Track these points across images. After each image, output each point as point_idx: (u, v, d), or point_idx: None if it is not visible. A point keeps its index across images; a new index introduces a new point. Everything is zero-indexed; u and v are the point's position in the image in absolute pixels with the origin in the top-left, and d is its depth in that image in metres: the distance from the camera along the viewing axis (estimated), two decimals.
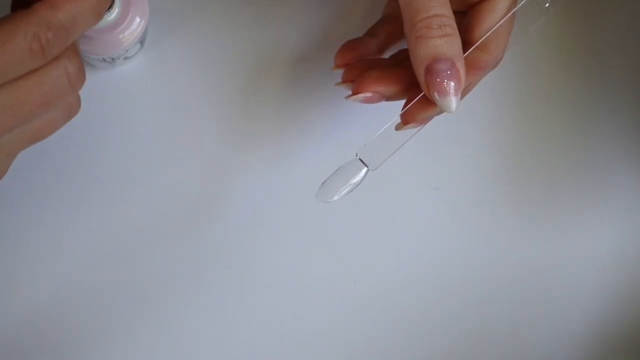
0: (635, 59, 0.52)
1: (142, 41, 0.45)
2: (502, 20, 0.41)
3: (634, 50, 0.52)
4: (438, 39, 0.38)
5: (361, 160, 0.40)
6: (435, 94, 0.38)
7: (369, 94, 0.42)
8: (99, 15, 0.34)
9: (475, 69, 0.41)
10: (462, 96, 0.42)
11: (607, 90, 0.52)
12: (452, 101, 0.39)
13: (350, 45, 0.45)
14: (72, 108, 0.36)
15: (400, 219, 0.50)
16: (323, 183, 0.40)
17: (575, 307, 0.52)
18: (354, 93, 0.42)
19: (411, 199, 0.50)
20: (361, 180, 0.40)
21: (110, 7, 0.40)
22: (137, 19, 0.42)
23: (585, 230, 0.52)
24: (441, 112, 0.40)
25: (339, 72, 0.45)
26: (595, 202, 0.52)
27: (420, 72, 0.39)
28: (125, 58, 0.45)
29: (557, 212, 0.52)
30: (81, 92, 0.48)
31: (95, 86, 0.47)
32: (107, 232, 0.47)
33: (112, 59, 0.44)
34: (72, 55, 0.34)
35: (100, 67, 0.47)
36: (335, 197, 0.40)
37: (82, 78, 0.35)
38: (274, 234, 0.49)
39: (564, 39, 0.52)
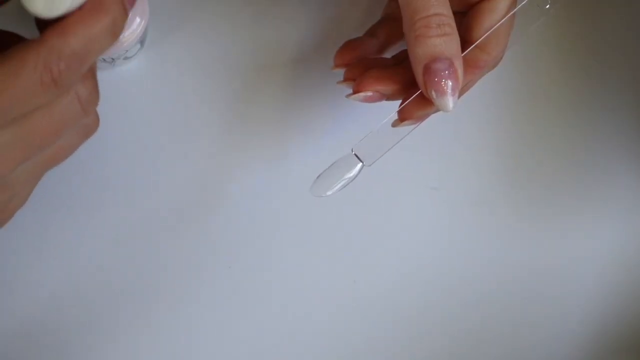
0: (635, 59, 0.52)
1: (142, 41, 0.45)
2: (502, 20, 0.41)
3: (634, 50, 0.52)
4: (437, 38, 0.38)
5: (356, 156, 0.40)
6: (433, 93, 0.39)
7: (369, 93, 0.42)
8: (116, 36, 0.31)
9: (473, 68, 0.41)
10: (460, 95, 0.42)
11: (607, 90, 0.52)
12: (449, 101, 0.39)
13: (350, 45, 0.45)
14: (89, 129, 0.35)
15: (399, 218, 0.50)
16: (317, 177, 0.40)
17: (575, 307, 0.52)
18: (355, 92, 0.42)
19: (410, 198, 0.50)
20: (355, 176, 0.40)
21: None
22: (137, 19, 0.42)
23: (585, 230, 0.52)
24: (438, 110, 0.40)
25: (339, 72, 0.45)
26: (595, 202, 0.52)
27: (418, 71, 0.39)
28: (125, 58, 0.45)
29: (557, 212, 0.52)
30: None
31: None
32: (106, 231, 0.47)
33: (112, 59, 0.44)
34: (85, 78, 0.32)
35: (100, 67, 0.47)
36: (329, 192, 0.40)
37: (95, 101, 0.33)
38: (274, 234, 0.49)
39: (564, 39, 0.52)
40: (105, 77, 0.47)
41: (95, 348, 0.47)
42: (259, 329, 0.49)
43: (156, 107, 0.48)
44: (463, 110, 0.50)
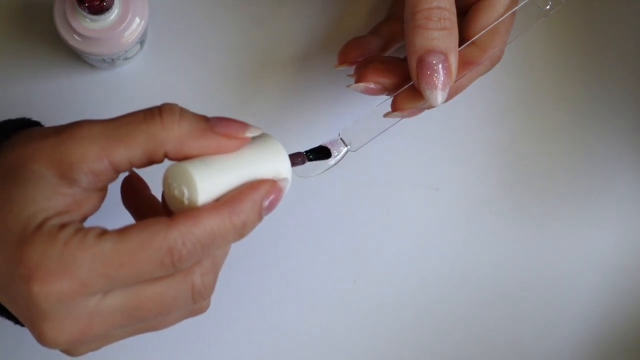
0: (635, 60, 0.52)
1: (142, 41, 0.45)
2: (502, 19, 0.41)
3: (634, 51, 0.52)
4: (435, 31, 0.38)
5: (342, 140, 0.40)
6: (424, 85, 0.39)
7: (370, 84, 0.42)
8: (242, 237, 0.33)
9: (468, 64, 0.41)
10: (455, 94, 0.42)
11: (607, 90, 0.52)
12: (439, 95, 0.39)
13: (354, 43, 0.45)
14: (196, 312, 0.36)
15: (400, 219, 0.50)
16: None
17: (576, 307, 0.52)
18: (356, 82, 0.42)
19: (411, 199, 0.50)
20: (339, 160, 0.40)
21: (110, 7, 0.40)
22: (137, 19, 0.42)
23: (585, 230, 0.52)
24: (428, 104, 0.40)
25: (342, 71, 0.45)
26: (596, 202, 0.52)
27: (412, 62, 0.39)
28: (125, 58, 0.45)
29: (557, 212, 0.52)
30: (81, 93, 0.48)
31: (96, 86, 0.47)
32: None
33: (112, 59, 0.44)
34: (206, 272, 0.33)
35: (101, 67, 0.47)
36: (312, 174, 0.40)
37: (207, 295, 0.34)
38: (274, 234, 0.49)
39: (564, 39, 0.52)
40: (105, 77, 0.47)
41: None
42: (259, 329, 0.49)
43: None
44: (463, 111, 0.50)
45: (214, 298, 0.48)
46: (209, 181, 0.32)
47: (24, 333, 0.33)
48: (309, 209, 0.49)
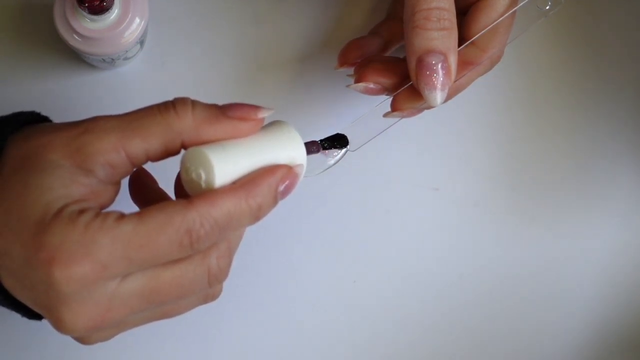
0: (635, 59, 0.52)
1: (142, 41, 0.45)
2: (501, 19, 0.41)
3: (634, 51, 0.52)
4: (434, 32, 0.38)
5: None
6: (423, 86, 0.39)
7: (370, 84, 0.42)
8: (258, 219, 0.33)
9: (468, 64, 0.41)
10: (454, 95, 0.42)
11: (607, 90, 0.52)
12: (438, 95, 0.39)
13: (354, 44, 0.45)
14: (210, 297, 0.36)
15: (400, 219, 0.50)
16: None
17: (575, 307, 0.52)
18: (356, 82, 0.42)
19: (411, 199, 0.50)
20: (339, 160, 0.40)
21: (110, 7, 0.40)
22: (137, 20, 0.42)
23: (585, 230, 0.52)
24: (427, 105, 0.40)
25: (342, 72, 0.45)
26: (596, 202, 0.52)
27: (411, 63, 0.39)
28: (125, 58, 0.45)
29: (557, 212, 0.52)
30: (81, 93, 0.48)
31: (96, 86, 0.47)
32: None
33: (112, 59, 0.44)
34: (222, 256, 0.34)
35: (101, 67, 0.47)
36: (312, 174, 0.40)
37: (222, 279, 0.35)
38: (274, 234, 0.49)
39: (564, 39, 0.52)
40: (105, 77, 0.47)
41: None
42: (258, 329, 0.49)
43: None
44: (464, 111, 0.50)
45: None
46: (225, 164, 0.32)
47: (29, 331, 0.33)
48: (309, 208, 0.49)
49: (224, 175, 0.32)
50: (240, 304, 0.48)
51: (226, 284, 0.48)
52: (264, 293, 0.49)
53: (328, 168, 0.39)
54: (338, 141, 0.39)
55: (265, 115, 0.34)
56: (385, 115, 0.41)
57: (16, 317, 0.36)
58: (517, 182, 0.51)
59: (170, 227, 0.31)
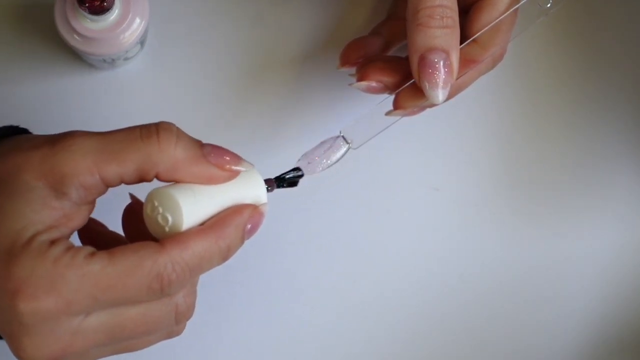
0: (635, 59, 0.52)
1: (142, 42, 0.45)
2: (503, 16, 0.41)
3: (634, 50, 0.52)
4: (437, 30, 0.38)
5: (344, 138, 0.40)
6: (425, 84, 0.39)
7: (372, 83, 0.42)
8: (226, 259, 0.33)
9: (470, 62, 0.41)
10: (456, 93, 0.42)
11: (607, 90, 0.52)
12: (440, 93, 0.39)
13: (355, 44, 0.45)
14: (173, 334, 0.36)
15: (400, 219, 0.50)
16: (303, 155, 0.39)
17: (575, 307, 0.52)
18: (358, 80, 0.42)
19: (411, 199, 0.50)
20: (341, 157, 0.40)
21: (111, 7, 0.40)
22: (137, 20, 0.42)
23: (585, 230, 0.52)
24: (429, 103, 0.40)
25: (344, 72, 0.45)
26: (595, 202, 0.52)
27: (414, 60, 0.39)
28: (126, 59, 0.45)
29: (557, 212, 0.52)
30: (81, 93, 0.48)
31: (96, 87, 0.47)
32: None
33: (113, 59, 0.44)
34: (189, 294, 0.34)
35: (101, 68, 0.47)
36: (313, 173, 0.40)
37: (188, 316, 0.35)
38: (274, 234, 0.49)
39: (564, 39, 0.52)
40: (105, 77, 0.47)
41: None
42: (258, 329, 0.49)
43: (156, 107, 0.47)
44: (463, 111, 0.50)
45: (214, 298, 0.48)
46: (193, 209, 0.32)
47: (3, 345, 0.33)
48: (309, 208, 0.49)
49: (191, 221, 0.32)
50: (240, 304, 0.48)
51: (226, 284, 0.48)
52: (264, 293, 0.49)
53: (330, 166, 0.39)
54: (292, 177, 0.39)
55: (244, 169, 0.34)
56: (387, 113, 0.41)
57: None
58: (517, 182, 0.51)
59: (141, 270, 0.31)
